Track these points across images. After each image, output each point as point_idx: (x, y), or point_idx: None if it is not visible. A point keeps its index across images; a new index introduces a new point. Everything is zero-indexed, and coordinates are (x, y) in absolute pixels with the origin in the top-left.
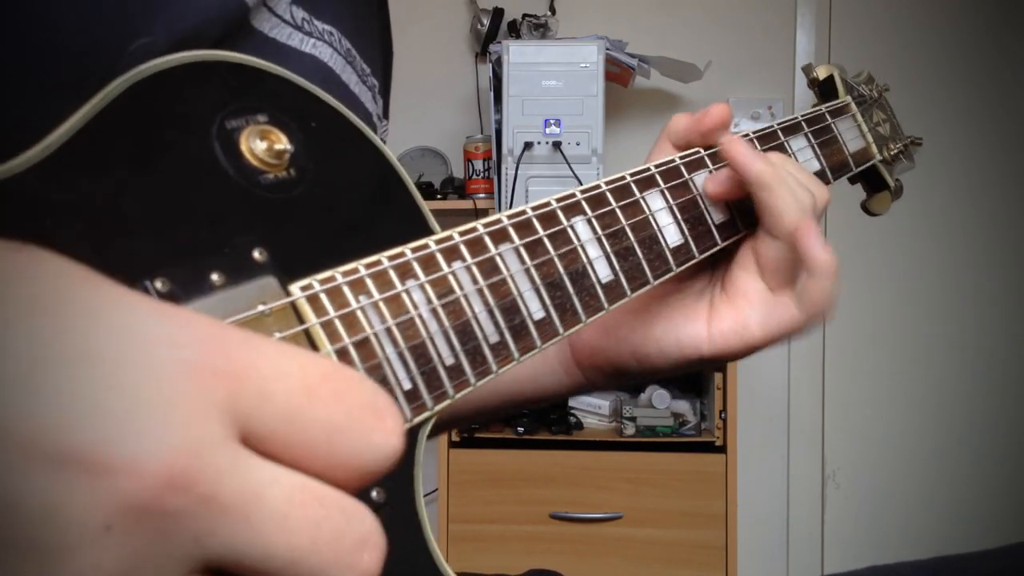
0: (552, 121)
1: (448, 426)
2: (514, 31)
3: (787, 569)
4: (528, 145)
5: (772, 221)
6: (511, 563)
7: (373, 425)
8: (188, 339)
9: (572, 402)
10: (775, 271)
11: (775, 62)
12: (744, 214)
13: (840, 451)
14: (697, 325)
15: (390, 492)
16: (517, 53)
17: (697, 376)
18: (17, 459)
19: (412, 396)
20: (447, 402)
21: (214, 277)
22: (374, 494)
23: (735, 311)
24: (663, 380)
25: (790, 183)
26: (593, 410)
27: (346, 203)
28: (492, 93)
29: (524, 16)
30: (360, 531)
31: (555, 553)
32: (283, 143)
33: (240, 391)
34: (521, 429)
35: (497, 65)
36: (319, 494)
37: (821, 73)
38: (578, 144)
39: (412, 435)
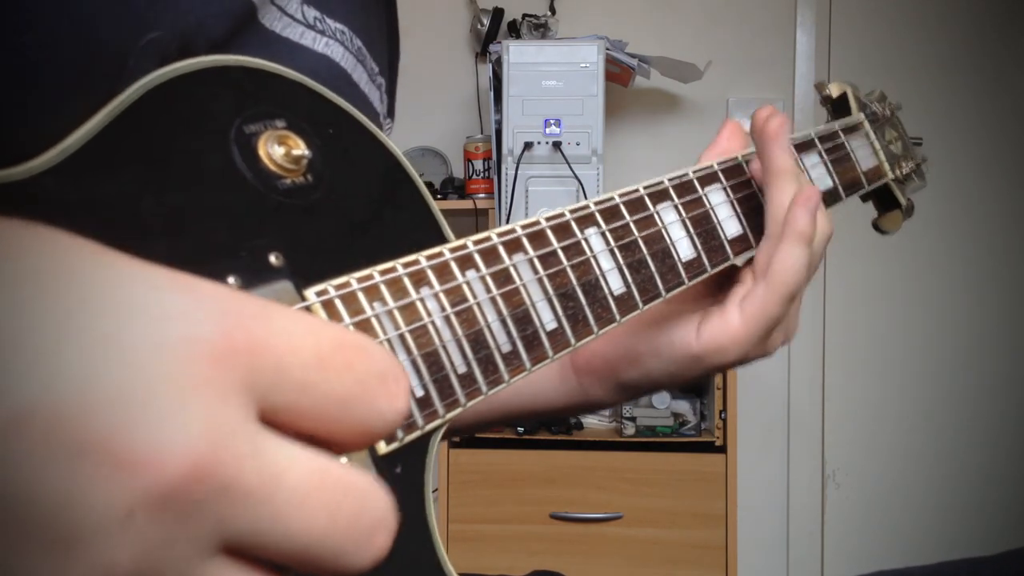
0: (552, 121)
1: (448, 434)
2: (514, 31)
3: (787, 569)
4: (528, 145)
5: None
6: (511, 563)
7: (379, 391)
8: (206, 313)
9: None
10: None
11: (775, 62)
12: (757, 231)
13: (840, 451)
14: (688, 326)
15: (400, 499)
16: (517, 53)
17: None
18: (35, 447)
19: (424, 403)
20: (458, 410)
21: (230, 280)
22: None
23: (722, 312)
24: None
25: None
26: None
27: (361, 209)
28: (492, 93)
29: (524, 16)
30: (374, 514)
31: (555, 553)
32: (301, 149)
33: (259, 366)
34: (521, 429)
35: (497, 65)
36: (336, 476)
37: (834, 91)
38: (578, 144)
39: (423, 442)
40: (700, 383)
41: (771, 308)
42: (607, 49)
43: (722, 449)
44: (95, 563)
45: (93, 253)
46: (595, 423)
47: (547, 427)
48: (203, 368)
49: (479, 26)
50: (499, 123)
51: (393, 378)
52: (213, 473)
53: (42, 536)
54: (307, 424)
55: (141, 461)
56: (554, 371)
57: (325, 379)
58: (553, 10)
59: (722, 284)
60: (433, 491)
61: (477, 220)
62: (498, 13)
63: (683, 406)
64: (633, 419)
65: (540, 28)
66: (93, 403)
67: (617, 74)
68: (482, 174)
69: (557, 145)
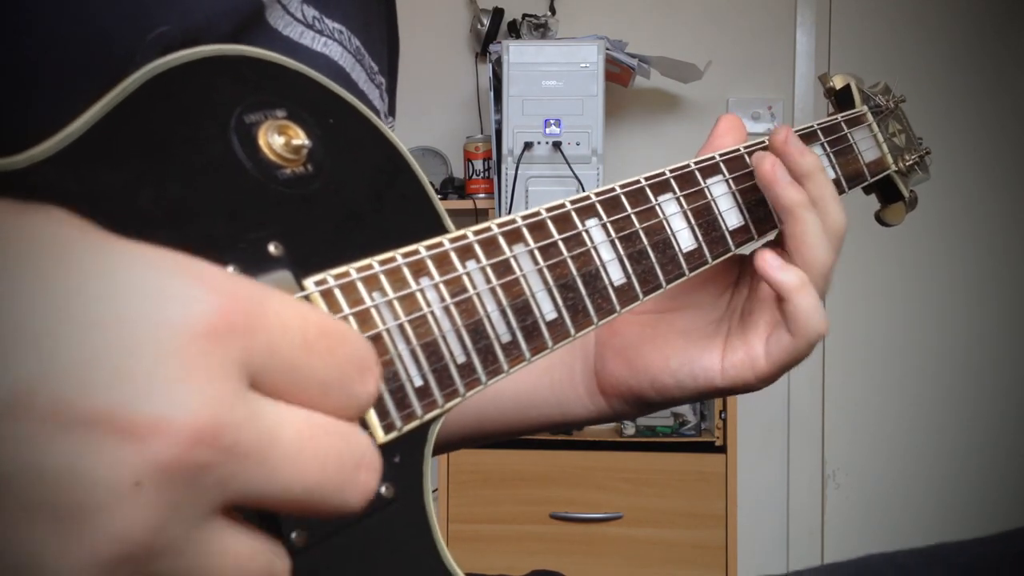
0: (552, 121)
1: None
2: (514, 31)
3: (787, 569)
4: (528, 145)
5: (795, 246)
6: (511, 563)
7: (355, 378)
8: (203, 293)
9: None
10: None
11: (775, 62)
12: (758, 221)
13: (840, 451)
14: (712, 358)
15: (399, 488)
16: (517, 53)
17: None
18: (40, 423)
19: (423, 393)
20: (457, 400)
21: (229, 270)
22: (383, 489)
23: (747, 344)
24: None
25: (823, 207)
26: None
27: (362, 199)
28: (492, 93)
29: (524, 16)
30: (357, 452)
31: (555, 553)
32: (301, 138)
33: (252, 346)
34: None
35: (497, 65)
36: (321, 424)
37: (838, 83)
38: (578, 144)
39: (422, 433)
40: None
41: (800, 353)
42: (607, 49)
43: (722, 449)
44: (107, 534)
45: (93, 234)
46: None
47: None
48: (201, 344)
49: (479, 26)
50: (499, 123)
51: (367, 366)
52: (215, 438)
53: (53, 511)
54: (287, 401)
55: (146, 431)
56: (583, 391)
57: (309, 363)
58: (553, 10)
59: (737, 284)
60: (433, 491)
61: (477, 220)
62: (498, 13)
63: (683, 406)
64: (633, 419)
65: (540, 28)
66: (95, 379)
67: (617, 74)
68: (482, 174)
69: (557, 145)
